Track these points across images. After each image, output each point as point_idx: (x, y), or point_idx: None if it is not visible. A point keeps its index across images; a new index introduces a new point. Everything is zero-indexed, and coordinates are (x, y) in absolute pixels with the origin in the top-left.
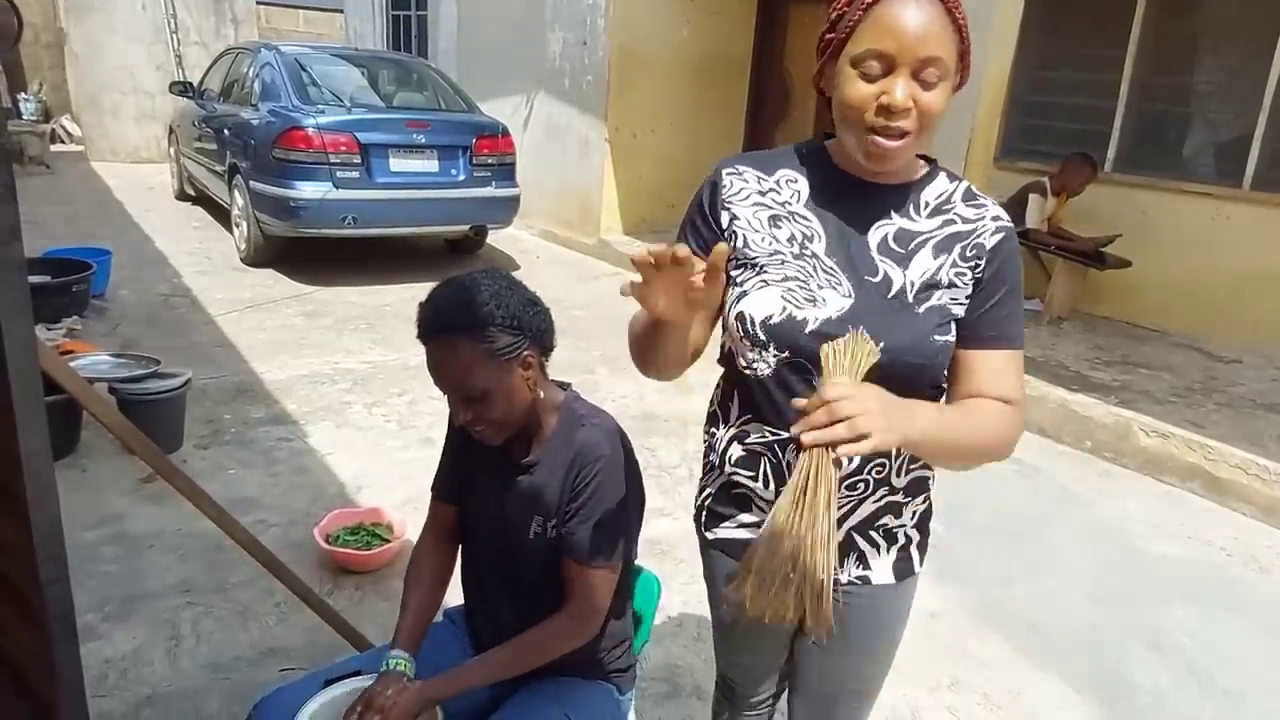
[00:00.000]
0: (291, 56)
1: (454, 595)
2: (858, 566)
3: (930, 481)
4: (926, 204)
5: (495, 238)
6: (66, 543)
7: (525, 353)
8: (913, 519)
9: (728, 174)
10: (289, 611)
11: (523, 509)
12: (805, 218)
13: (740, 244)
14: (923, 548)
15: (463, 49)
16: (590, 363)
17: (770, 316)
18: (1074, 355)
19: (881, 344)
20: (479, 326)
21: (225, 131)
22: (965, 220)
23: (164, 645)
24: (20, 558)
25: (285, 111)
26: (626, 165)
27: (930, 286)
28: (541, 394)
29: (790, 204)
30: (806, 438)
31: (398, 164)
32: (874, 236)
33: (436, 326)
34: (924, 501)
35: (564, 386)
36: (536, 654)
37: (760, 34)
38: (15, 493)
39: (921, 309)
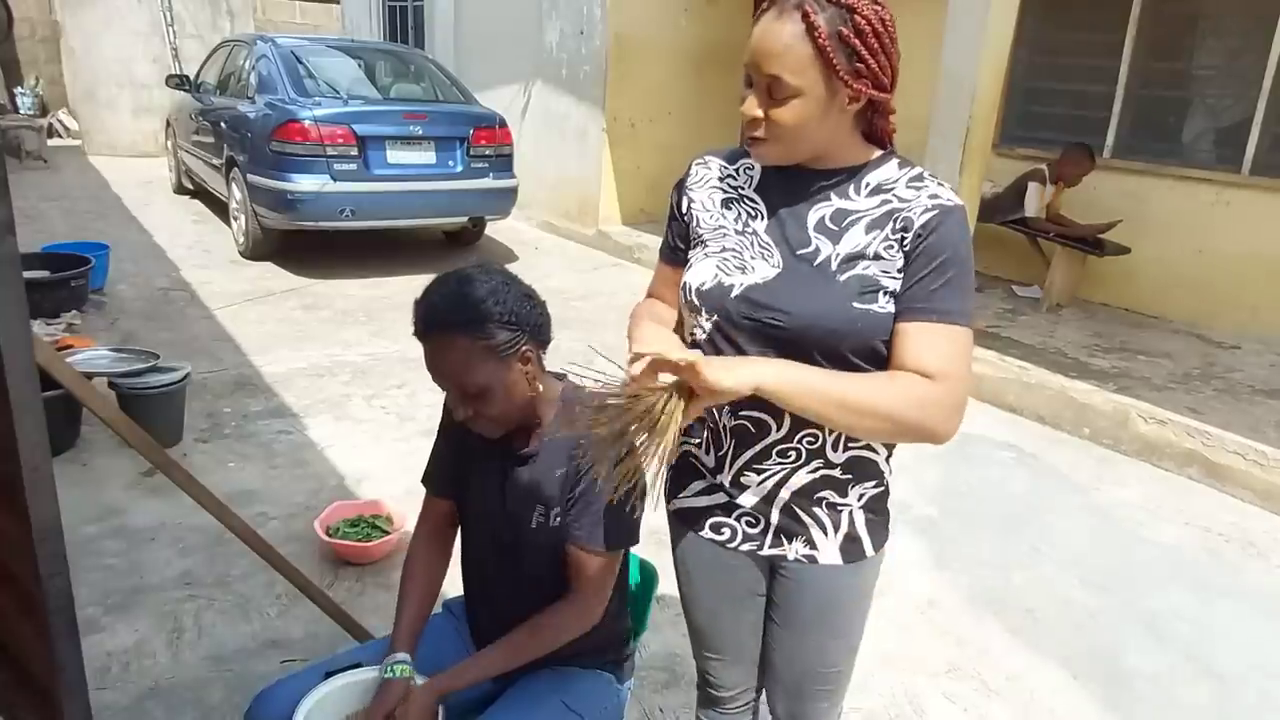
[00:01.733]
0: (288, 48)
1: (453, 586)
2: (804, 546)
3: (880, 465)
4: (867, 185)
5: (494, 229)
6: (68, 537)
7: (524, 348)
8: (860, 500)
9: (696, 165)
10: (290, 604)
11: (524, 500)
12: (753, 200)
13: (694, 224)
14: (876, 533)
15: (459, 39)
16: (589, 354)
17: (704, 284)
18: (1073, 342)
19: (797, 309)
20: (477, 323)
21: (222, 124)
22: (901, 200)
23: (166, 638)
24: (21, 552)
25: (282, 104)
26: (625, 155)
27: (855, 257)
28: (540, 387)
29: (743, 189)
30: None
31: (395, 156)
32: (812, 216)
33: (434, 324)
34: (876, 486)
35: (560, 378)
36: (540, 643)
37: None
38: (14, 487)
39: (842, 277)
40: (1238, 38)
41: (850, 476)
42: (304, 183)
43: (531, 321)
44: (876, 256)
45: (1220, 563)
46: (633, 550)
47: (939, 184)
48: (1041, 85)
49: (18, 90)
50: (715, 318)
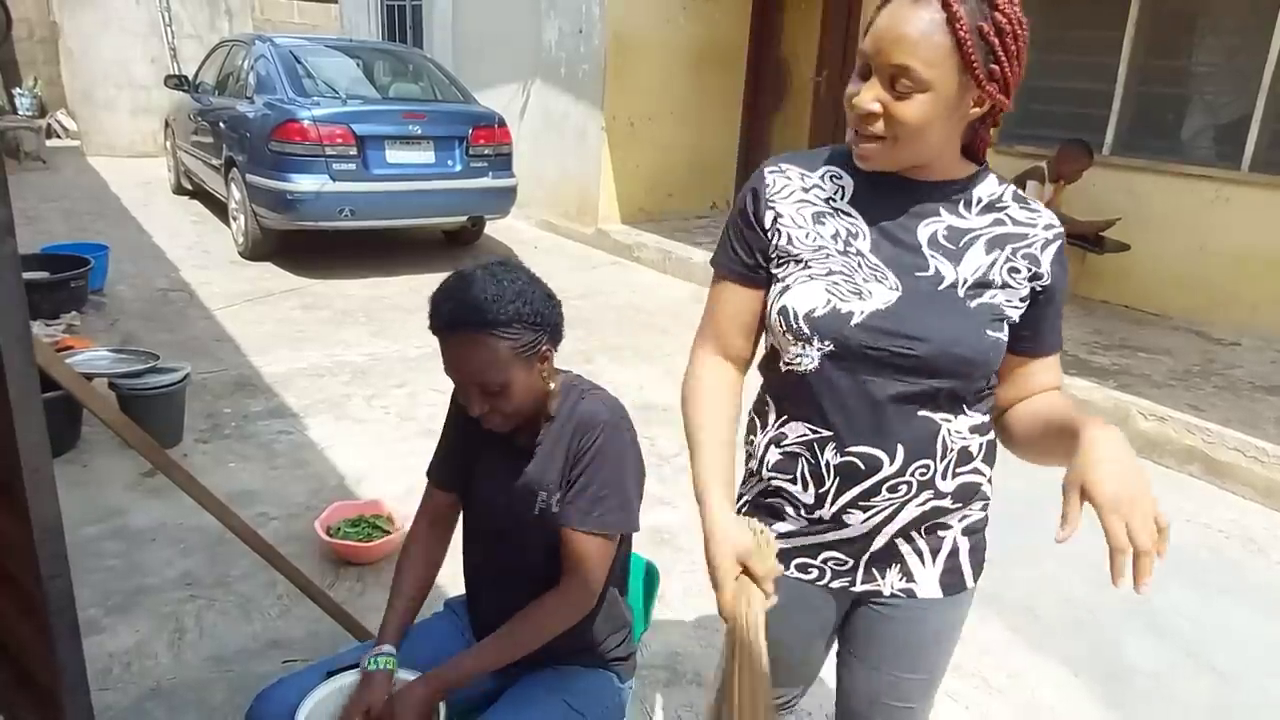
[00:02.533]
0: (286, 48)
1: (455, 585)
2: (901, 579)
3: (985, 488)
4: (979, 200)
5: (493, 228)
6: (68, 538)
7: (544, 348)
8: (961, 524)
9: (770, 173)
10: (291, 604)
11: (527, 489)
12: (849, 214)
13: (784, 241)
14: (975, 561)
15: (458, 39)
16: (590, 352)
17: (814, 309)
18: (1072, 339)
19: (930, 335)
20: (505, 324)
21: (221, 125)
22: (1017, 223)
23: (167, 638)
24: (22, 553)
25: (281, 104)
26: (624, 154)
27: (982, 285)
28: (554, 386)
29: (834, 200)
30: (1144, 589)
31: (394, 155)
32: (923, 233)
33: (462, 321)
34: (982, 509)
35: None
36: (535, 632)
37: (757, 21)
38: (15, 489)
39: (973, 304)
40: (1237, 35)
41: (959, 504)
42: (303, 183)
43: (553, 322)
44: (1003, 285)
45: (1220, 560)
46: (635, 550)
47: (1038, 204)
48: (1041, 83)
49: (16, 91)
50: (830, 346)
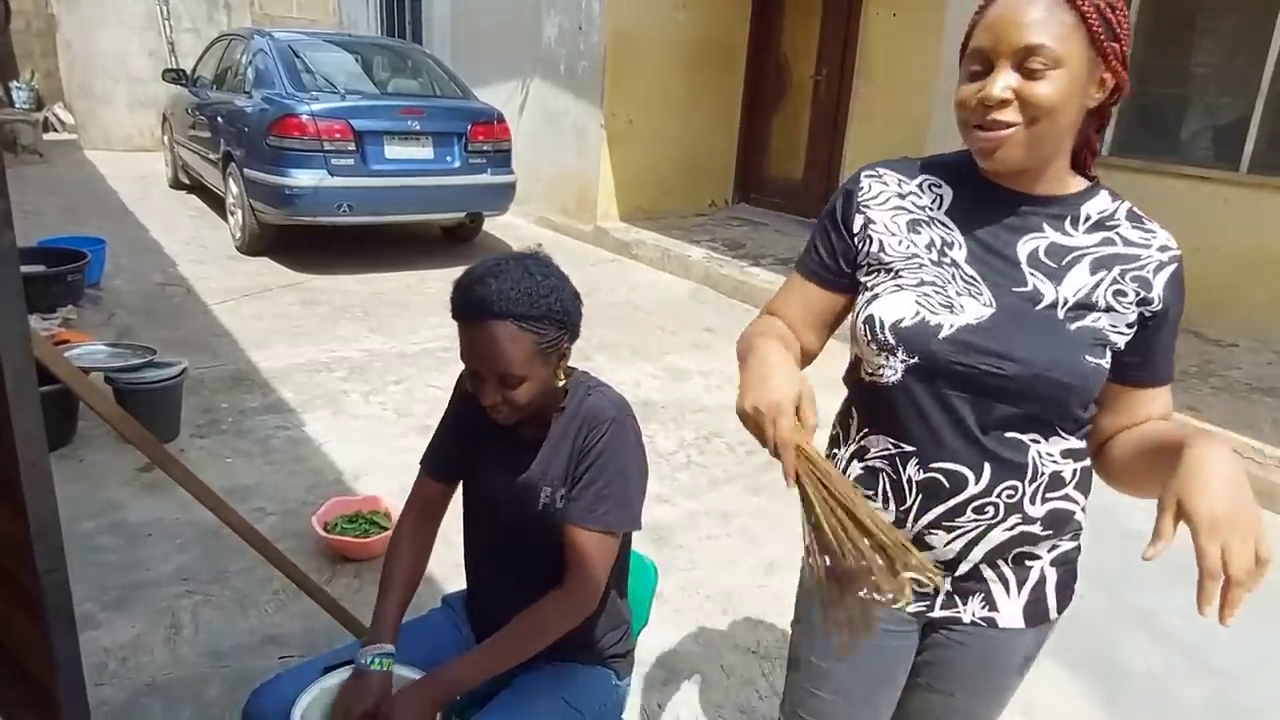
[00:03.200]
0: (285, 43)
1: (452, 581)
2: (983, 607)
3: (1078, 517)
4: (1087, 217)
5: (491, 225)
6: (65, 532)
7: (565, 346)
8: (1051, 555)
9: (867, 177)
10: (287, 599)
11: (531, 484)
12: (946, 225)
13: (875, 248)
14: (1063, 594)
15: (457, 35)
16: (588, 349)
17: (901, 320)
18: None
19: (1022, 356)
20: (536, 319)
21: (219, 119)
22: (1128, 243)
23: (163, 633)
24: (17, 547)
25: (279, 98)
26: (623, 152)
27: (1085, 306)
28: (563, 382)
29: (931, 209)
30: (1229, 620)
31: (393, 151)
32: (1023, 249)
33: (491, 310)
34: (1072, 540)
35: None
36: (536, 634)
37: (756, 19)
38: (11, 483)
39: (1073, 327)
40: (1236, 36)
41: (1050, 532)
42: (301, 178)
43: (577, 321)
44: (1108, 309)
45: None
46: (634, 548)
47: (1154, 223)
48: None
49: (13, 84)
50: (915, 360)
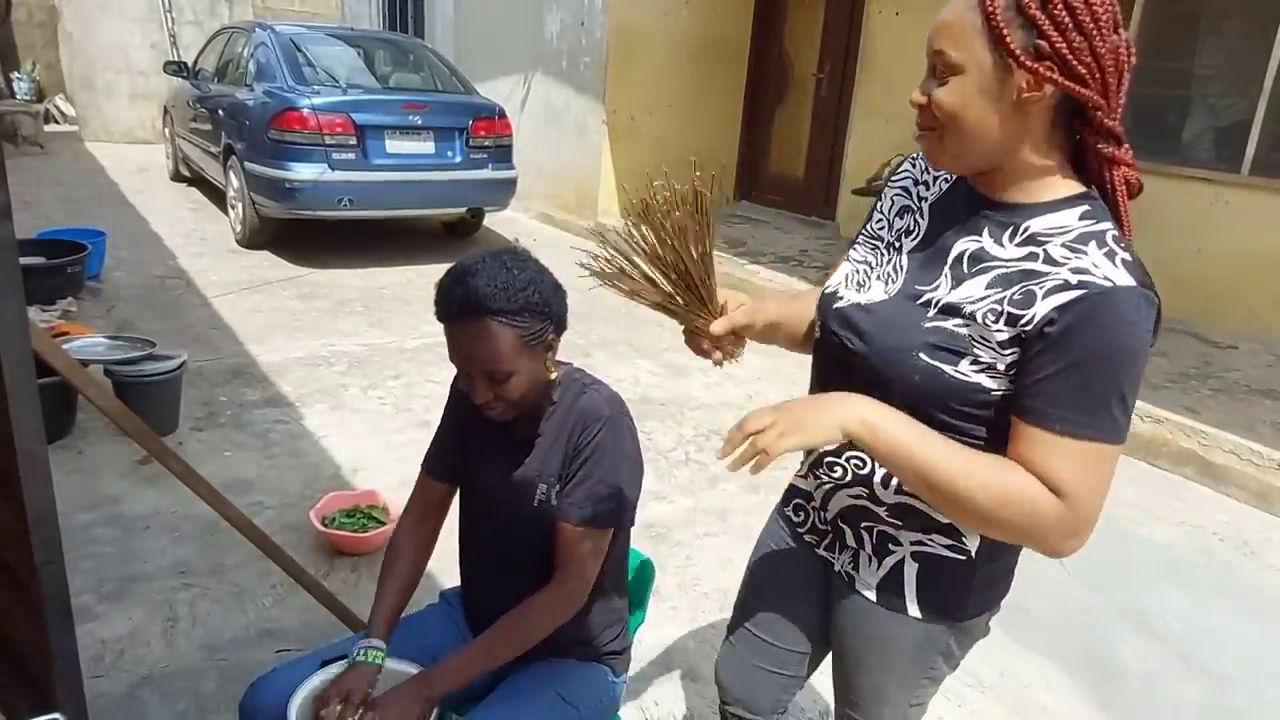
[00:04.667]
0: (287, 36)
1: (448, 576)
2: (849, 563)
3: (935, 519)
4: (1025, 230)
5: (492, 220)
6: (62, 524)
7: (550, 336)
8: (912, 548)
9: (909, 160)
10: (285, 593)
11: (526, 480)
12: (922, 215)
13: (872, 222)
14: (927, 596)
15: (460, 29)
16: (587, 346)
17: (829, 286)
18: None
19: (872, 338)
20: (515, 312)
21: (220, 112)
22: (1048, 260)
23: (160, 626)
24: (15, 539)
25: (280, 92)
26: (624, 148)
27: (952, 310)
28: (554, 374)
29: (925, 200)
30: (727, 464)
31: (394, 145)
32: (955, 250)
33: (471, 308)
34: (945, 550)
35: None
36: (526, 630)
37: (759, 16)
38: (9, 474)
39: (928, 325)
40: (1239, 37)
41: (899, 523)
42: (302, 171)
43: (560, 311)
44: (974, 318)
45: (1214, 562)
46: (632, 545)
47: (1108, 253)
48: None
49: (14, 75)
50: (820, 322)
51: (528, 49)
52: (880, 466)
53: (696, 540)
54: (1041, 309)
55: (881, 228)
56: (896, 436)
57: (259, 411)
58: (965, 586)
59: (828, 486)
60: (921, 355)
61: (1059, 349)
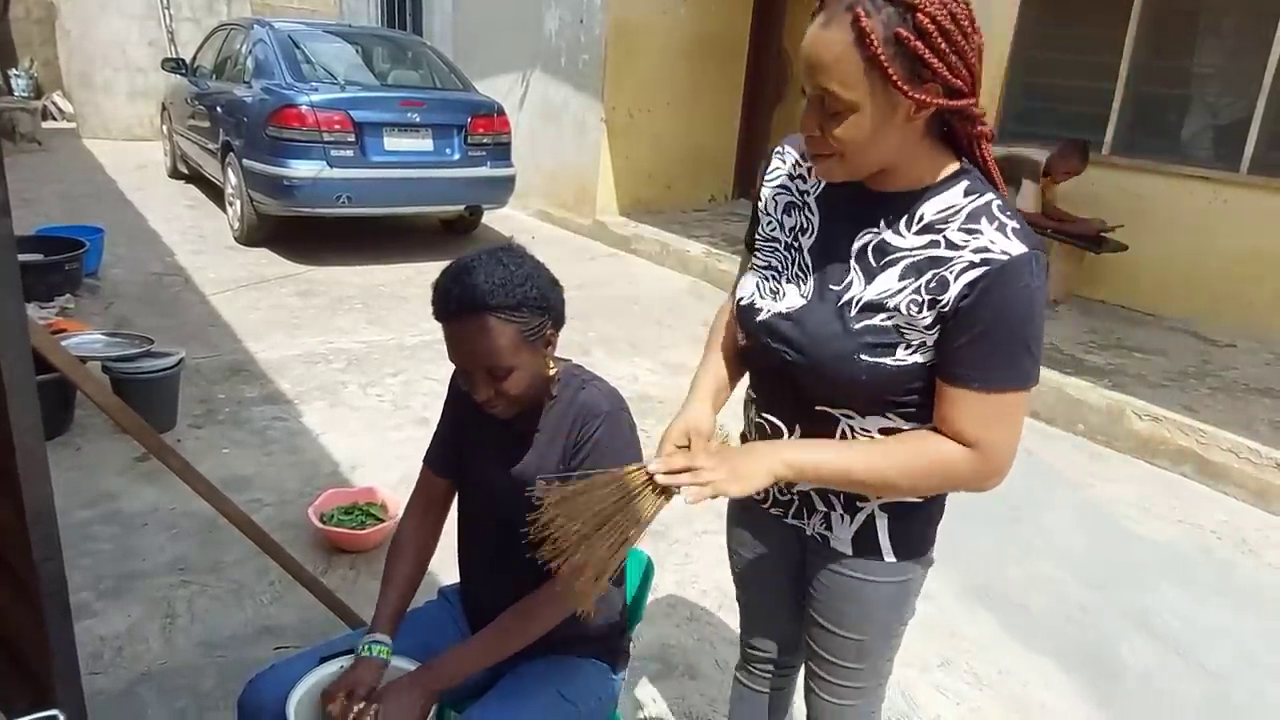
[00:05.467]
0: (285, 33)
1: (449, 573)
2: (821, 525)
3: None
4: (920, 218)
5: (490, 218)
6: (61, 521)
7: (549, 332)
8: (879, 502)
9: (775, 154)
10: (283, 590)
11: (525, 476)
12: (811, 211)
13: (762, 224)
14: (900, 541)
15: (458, 26)
16: (586, 343)
17: (742, 299)
18: (1068, 339)
19: (808, 350)
20: (514, 307)
21: (218, 109)
22: (950, 245)
23: (159, 623)
24: (13, 536)
25: (279, 89)
26: (623, 145)
27: (875, 308)
28: (553, 370)
29: (808, 194)
30: (660, 478)
31: (392, 143)
32: (857, 243)
33: (471, 305)
34: (906, 502)
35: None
36: (527, 627)
37: (758, 14)
38: (8, 471)
39: (857, 325)
40: (1238, 36)
41: (864, 500)
42: (300, 168)
43: (558, 306)
44: (898, 310)
45: (1212, 560)
46: None
47: (999, 226)
48: (1041, 81)
49: (12, 72)
50: (745, 334)
51: (526, 46)
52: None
53: (695, 538)
54: (955, 289)
55: (774, 229)
56: (819, 464)
57: (257, 409)
58: (928, 524)
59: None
60: (862, 356)
61: (972, 319)
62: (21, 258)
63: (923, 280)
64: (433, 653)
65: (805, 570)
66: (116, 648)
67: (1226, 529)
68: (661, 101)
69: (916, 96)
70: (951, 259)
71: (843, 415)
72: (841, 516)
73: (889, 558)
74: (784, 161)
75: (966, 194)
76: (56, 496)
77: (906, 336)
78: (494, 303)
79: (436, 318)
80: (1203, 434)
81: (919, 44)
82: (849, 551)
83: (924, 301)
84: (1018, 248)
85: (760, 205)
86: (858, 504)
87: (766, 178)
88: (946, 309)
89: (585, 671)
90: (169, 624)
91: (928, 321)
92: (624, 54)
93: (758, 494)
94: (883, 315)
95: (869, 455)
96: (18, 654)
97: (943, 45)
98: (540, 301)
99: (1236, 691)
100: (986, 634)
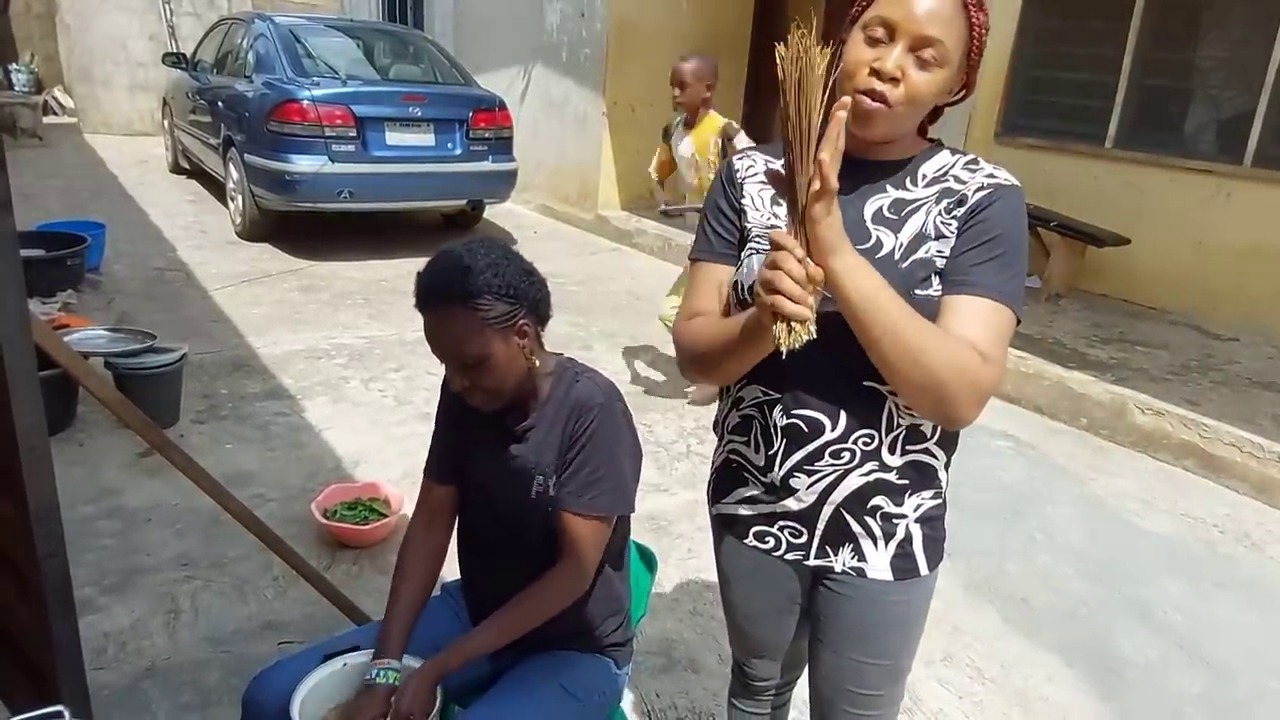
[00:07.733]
0: (286, 28)
1: (448, 569)
2: (852, 556)
3: (939, 473)
4: (924, 175)
5: (492, 213)
6: (64, 517)
7: (520, 321)
8: (916, 512)
9: (738, 159)
10: (287, 586)
11: (523, 472)
12: None
13: (748, 221)
14: (931, 550)
15: (459, 21)
16: (588, 338)
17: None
18: (1071, 333)
19: None
20: (474, 295)
21: (219, 104)
22: (959, 180)
23: (163, 619)
24: (17, 532)
25: (280, 84)
26: (624, 140)
27: (919, 240)
28: (537, 363)
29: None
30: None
31: (394, 137)
32: (869, 208)
33: (434, 295)
34: (933, 497)
35: (556, 355)
36: (530, 614)
37: (760, 7)
38: (11, 468)
39: (906, 264)
40: (1242, 29)
41: (907, 483)
42: (302, 163)
43: (529, 296)
44: (937, 235)
45: (1215, 554)
46: (633, 537)
47: (994, 167)
48: (1044, 74)
49: (13, 67)
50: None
51: (528, 41)
52: (885, 433)
53: (698, 532)
54: (972, 199)
55: (766, 218)
56: (878, 288)
57: (260, 404)
58: (943, 523)
59: (832, 477)
60: (916, 292)
61: (983, 228)
62: (23, 253)
63: (943, 204)
64: (436, 648)
65: (819, 610)
66: (120, 643)
67: (1229, 523)
68: (664, 96)
69: (972, 77)
70: (964, 185)
71: (890, 393)
72: (878, 540)
73: (924, 570)
74: (754, 160)
75: (952, 154)
76: (59, 492)
77: (937, 265)
78: (455, 290)
79: (416, 308)
80: (1205, 428)
81: (982, 32)
82: (890, 577)
83: (951, 218)
84: (1014, 181)
85: (738, 204)
86: (894, 522)
87: (744, 177)
88: (963, 220)
89: (588, 666)
90: (173, 619)
91: (953, 228)
92: (625, 48)
93: (764, 540)
94: (925, 245)
95: (917, 321)
96: (22, 650)
97: (985, 42)
98: (505, 289)
99: (1239, 685)
100: (989, 628)
